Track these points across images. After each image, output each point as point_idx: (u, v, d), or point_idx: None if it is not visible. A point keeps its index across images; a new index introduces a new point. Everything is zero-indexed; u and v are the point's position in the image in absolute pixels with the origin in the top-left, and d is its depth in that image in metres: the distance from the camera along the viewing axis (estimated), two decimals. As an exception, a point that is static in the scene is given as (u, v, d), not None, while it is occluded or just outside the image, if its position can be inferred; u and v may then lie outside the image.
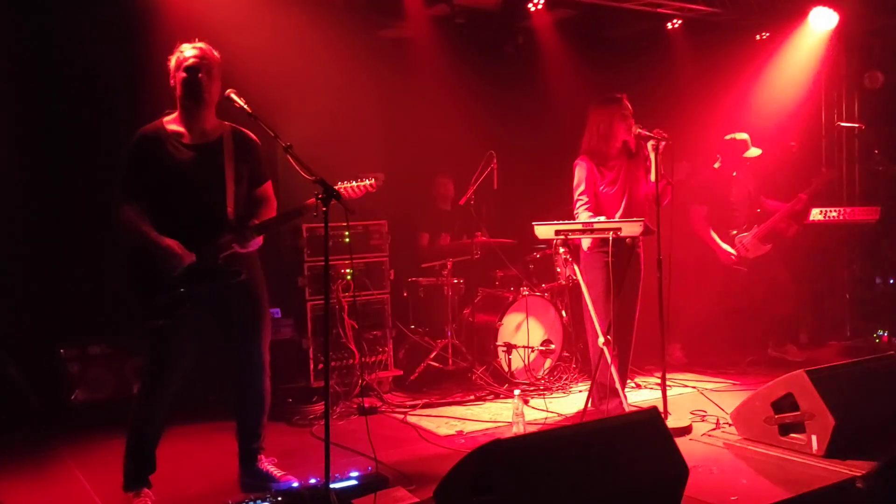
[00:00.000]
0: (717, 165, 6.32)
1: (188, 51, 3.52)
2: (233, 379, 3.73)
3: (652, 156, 4.48)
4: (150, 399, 3.52)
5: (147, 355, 3.54)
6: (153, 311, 3.42)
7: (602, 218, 4.52)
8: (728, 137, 6.25)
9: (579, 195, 4.67)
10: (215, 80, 3.55)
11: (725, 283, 6.34)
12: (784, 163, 6.81)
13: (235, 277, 3.59)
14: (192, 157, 3.52)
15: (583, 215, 4.63)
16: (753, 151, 6.19)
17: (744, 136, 6.21)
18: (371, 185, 3.81)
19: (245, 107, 3.44)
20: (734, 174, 6.30)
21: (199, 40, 3.59)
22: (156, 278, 3.45)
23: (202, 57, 3.50)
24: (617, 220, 4.52)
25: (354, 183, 3.67)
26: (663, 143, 4.41)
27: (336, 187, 3.30)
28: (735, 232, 6.24)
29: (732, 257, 6.16)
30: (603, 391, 4.57)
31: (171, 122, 3.56)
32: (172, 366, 3.52)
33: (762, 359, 6.16)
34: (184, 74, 3.48)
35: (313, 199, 3.19)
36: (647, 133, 4.44)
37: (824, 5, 6.82)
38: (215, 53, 3.58)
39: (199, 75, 3.48)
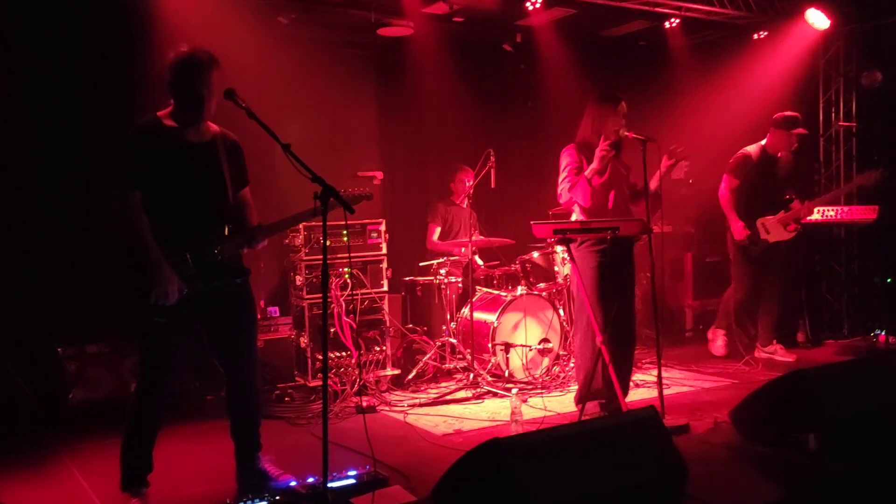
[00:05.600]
0: (764, 142, 6.18)
1: (207, 65, 3.42)
2: (227, 376, 3.72)
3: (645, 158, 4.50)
4: (148, 398, 3.51)
5: (144, 354, 3.52)
6: (159, 307, 3.38)
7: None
8: (780, 115, 6.09)
9: (565, 177, 4.66)
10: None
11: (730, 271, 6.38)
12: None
13: (243, 275, 3.62)
14: (195, 155, 3.51)
15: (566, 195, 4.64)
16: (800, 130, 6.05)
17: (793, 113, 6.08)
18: (364, 192, 3.82)
19: (244, 106, 3.42)
20: (780, 155, 6.19)
21: (197, 38, 3.55)
22: None
23: (214, 63, 3.45)
24: (615, 219, 4.51)
25: (349, 191, 3.70)
26: (649, 142, 4.42)
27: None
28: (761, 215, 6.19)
29: (745, 235, 6.13)
30: (585, 391, 4.60)
31: (168, 118, 3.51)
32: (170, 364, 3.51)
33: (754, 359, 6.17)
34: (198, 80, 3.42)
35: (319, 203, 3.19)
36: (636, 136, 4.45)
37: (822, 4, 6.82)
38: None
39: (214, 85, 3.45)
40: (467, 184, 6.39)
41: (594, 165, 4.46)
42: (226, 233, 3.59)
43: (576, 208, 4.76)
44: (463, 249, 6.29)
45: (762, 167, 6.19)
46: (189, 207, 3.48)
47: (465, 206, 6.36)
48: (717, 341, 6.41)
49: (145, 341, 3.49)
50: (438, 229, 6.71)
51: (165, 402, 3.56)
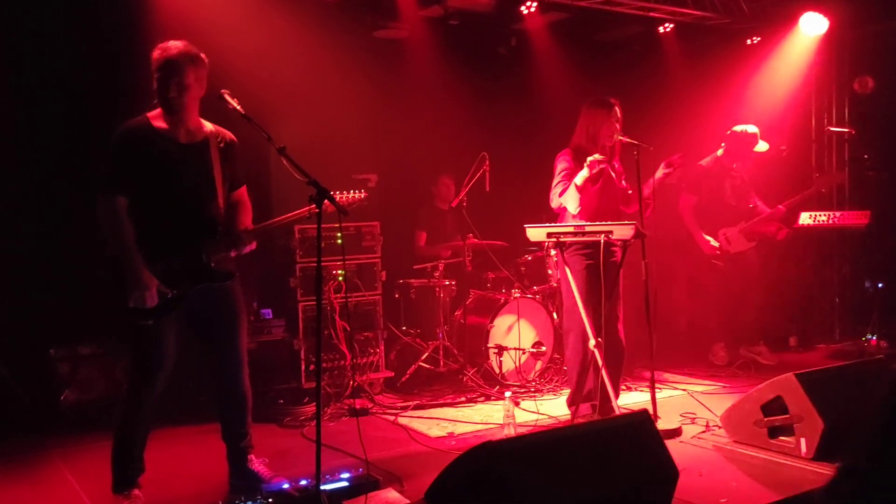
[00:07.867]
0: (719, 153, 6.25)
1: (174, 55, 3.39)
2: (215, 378, 3.72)
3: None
4: (138, 400, 3.50)
5: (133, 356, 3.52)
6: (143, 310, 3.39)
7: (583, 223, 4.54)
8: (739, 129, 6.15)
9: (559, 181, 4.64)
10: (201, 82, 3.50)
11: (704, 282, 6.39)
12: (774, 166, 6.84)
13: (229, 278, 3.61)
14: (184, 157, 3.49)
15: (556, 200, 4.64)
16: (762, 146, 6.10)
17: (754, 129, 6.12)
18: (360, 196, 3.83)
19: (238, 108, 3.42)
20: (734, 166, 6.25)
21: (194, 40, 3.53)
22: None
23: (187, 60, 3.41)
24: (608, 223, 4.52)
25: (344, 193, 3.71)
26: (643, 149, 4.42)
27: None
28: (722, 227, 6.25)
29: (715, 249, 6.16)
30: (577, 394, 4.61)
31: (157, 119, 3.49)
32: (160, 366, 3.50)
33: (738, 358, 6.20)
34: (168, 79, 3.39)
35: (312, 207, 3.19)
36: (630, 140, 4.46)
37: (815, 10, 6.85)
38: (201, 55, 3.50)
39: (186, 81, 3.40)
40: (449, 189, 6.42)
41: (584, 174, 4.42)
42: (215, 236, 3.57)
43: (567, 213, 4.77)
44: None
45: (717, 179, 6.22)
46: (177, 210, 3.47)
47: (452, 207, 6.37)
48: (719, 353, 6.41)
49: (134, 343, 3.49)
50: (425, 235, 6.73)
51: (156, 404, 3.56)
